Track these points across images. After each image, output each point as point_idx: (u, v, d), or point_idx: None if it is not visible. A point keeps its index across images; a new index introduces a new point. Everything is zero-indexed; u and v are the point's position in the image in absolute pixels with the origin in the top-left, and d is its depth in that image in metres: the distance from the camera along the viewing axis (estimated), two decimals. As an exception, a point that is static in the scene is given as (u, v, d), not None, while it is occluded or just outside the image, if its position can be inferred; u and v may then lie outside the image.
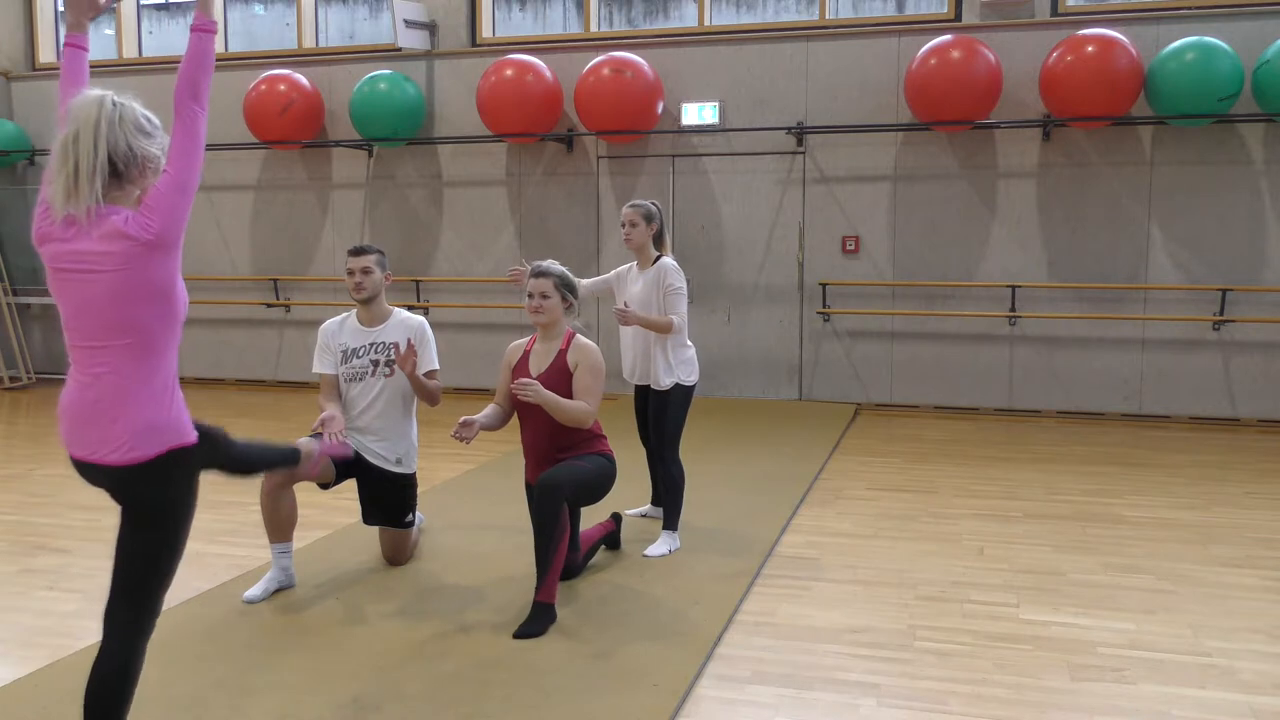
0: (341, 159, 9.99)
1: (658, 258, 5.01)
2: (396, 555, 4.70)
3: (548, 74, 8.92)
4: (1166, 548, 5.03)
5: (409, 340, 4.36)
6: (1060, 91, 7.83)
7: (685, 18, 9.62)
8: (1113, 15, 8.27)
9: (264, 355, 10.39)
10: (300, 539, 4.71)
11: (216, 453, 2.77)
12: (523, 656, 3.70)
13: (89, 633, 3.95)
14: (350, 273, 4.58)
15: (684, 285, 4.95)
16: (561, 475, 4.09)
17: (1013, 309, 8.47)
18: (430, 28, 9.65)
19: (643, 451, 5.34)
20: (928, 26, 8.65)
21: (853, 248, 8.83)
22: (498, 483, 6.14)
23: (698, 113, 8.98)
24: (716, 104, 8.96)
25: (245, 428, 7.86)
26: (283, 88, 9.45)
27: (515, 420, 4.41)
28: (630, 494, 5.40)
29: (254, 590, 4.28)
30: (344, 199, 10.04)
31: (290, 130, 9.50)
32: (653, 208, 5.07)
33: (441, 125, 9.67)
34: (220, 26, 10.25)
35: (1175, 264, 8.22)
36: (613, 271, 5.37)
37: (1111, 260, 8.34)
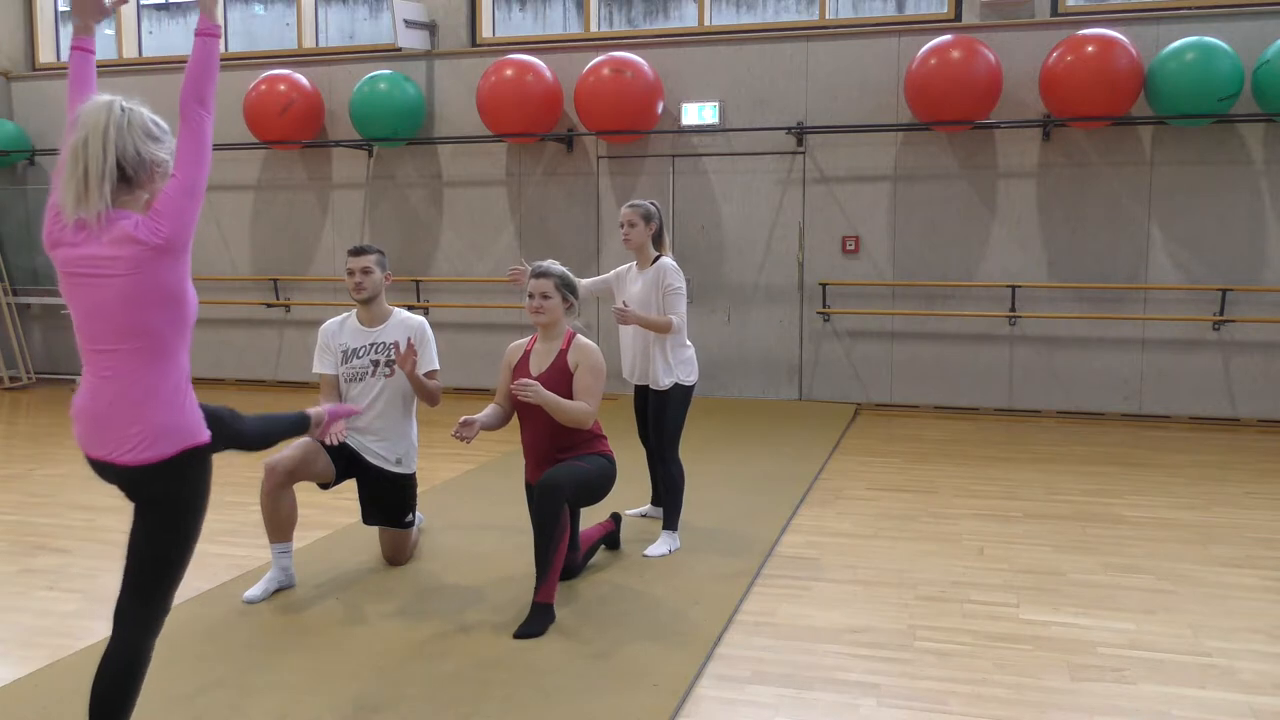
0: (341, 159, 10.00)
1: (657, 258, 5.00)
2: (396, 555, 4.71)
3: (548, 74, 8.92)
4: (1166, 548, 5.03)
5: (409, 340, 4.37)
6: (1060, 91, 7.83)
7: (685, 18, 9.61)
8: (1113, 15, 8.27)
9: (264, 355, 10.39)
10: (300, 539, 4.71)
11: (228, 434, 2.78)
12: (523, 656, 3.70)
13: (89, 633, 3.96)
14: (350, 273, 4.59)
15: (683, 285, 4.95)
16: (562, 475, 4.09)
17: (1013, 309, 8.47)
18: (430, 28, 9.65)
19: (642, 451, 5.35)
20: (928, 26, 8.65)
21: (853, 248, 8.83)
22: (498, 483, 6.14)
23: (698, 113, 8.98)
24: (716, 104, 8.96)
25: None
26: (283, 88, 9.45)
27: (515, 420, 4.42)
28: (630, 494, 5.40)
29: (254, 590, 4.28)
30: (344, 199, 10.04)
31: (290, 130, 9.50)
32: (651, 208, 5.06)
33: (441, 125, 9.67)
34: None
35: (1175, 264, 8.22)
36: (612, 271, 5.36)
37: (1111, 260, 8.34)
